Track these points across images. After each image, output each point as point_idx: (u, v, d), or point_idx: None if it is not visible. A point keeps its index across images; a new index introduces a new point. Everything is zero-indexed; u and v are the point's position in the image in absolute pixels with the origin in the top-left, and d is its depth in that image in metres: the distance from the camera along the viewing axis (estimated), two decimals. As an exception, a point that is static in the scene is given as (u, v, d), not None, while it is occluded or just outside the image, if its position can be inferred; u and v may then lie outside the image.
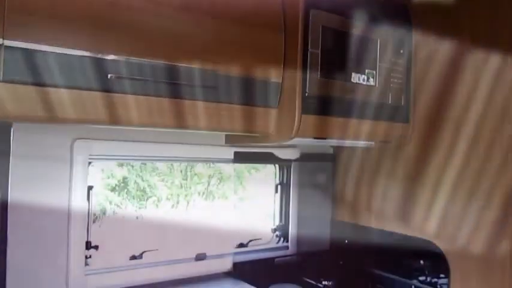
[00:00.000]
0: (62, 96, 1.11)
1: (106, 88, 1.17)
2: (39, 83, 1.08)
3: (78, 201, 1.52)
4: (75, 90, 1.13)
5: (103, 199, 3.28)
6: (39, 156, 1.45)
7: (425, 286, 1.76)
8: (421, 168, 1.80)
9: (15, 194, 1.40)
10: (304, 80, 1.47)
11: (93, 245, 1.62)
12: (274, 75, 1.47)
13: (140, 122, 1.29)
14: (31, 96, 1.07)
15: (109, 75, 1.16)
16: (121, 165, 3.39)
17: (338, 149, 2.19)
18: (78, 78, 1.13)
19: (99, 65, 1.15)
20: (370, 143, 1.83)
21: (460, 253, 1.65)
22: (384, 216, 1.94)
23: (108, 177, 3.39)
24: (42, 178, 1.46)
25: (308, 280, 1.85)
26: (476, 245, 1.60)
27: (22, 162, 1.42)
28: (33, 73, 1.07)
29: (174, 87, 1.28)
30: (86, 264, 1.58)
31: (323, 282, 1.80)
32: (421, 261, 1.80)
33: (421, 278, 1.79)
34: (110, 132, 1.57)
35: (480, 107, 1.59)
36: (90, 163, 1.59)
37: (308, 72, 1.47)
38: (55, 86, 1.10)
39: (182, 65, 1.27)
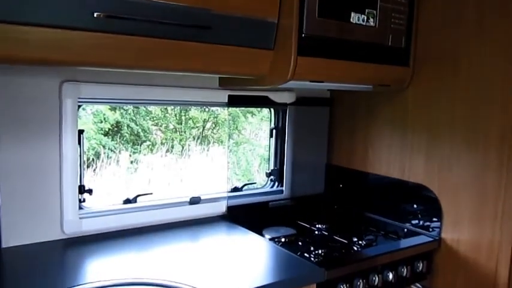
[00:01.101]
0: (46, 36, 1.07)
1: (93, 27, 1.13)
2: (21, 22, 1.04)
3: (69, 145, 1.51)
4: (60, 29, 1.09)
5: (96, 144, 3.28)
6: (27, 100, 1.43)
7: (418, 229, 1.81)
8: (419, 114, 1.79)
9: (3, 139, 1.40)
10: (301, 20, 1.42)
11: (86, 188, 1.64)
12: (269, 15, 1.42)
13: (130, 64, 1.26)
14: (14, 37, 1.04)
15: (95, 14, 1.12)
16: (113, 109, 3.35)
17: (335, 93, 2.17)
18: (63, 16, 1.08)
19: (85, 2, 1.10)
20: (368, 87, 1.81)
21: (453, 197, 1.68)
22: (379, 161, 1.96)
23: (101, 122, 3.37)
24: (31, 122, 1.44)
25: (302, 224, 1.89)
26: (469, 191, 1.62)
27: (8, 107, 1.40)
28: (16, 11, 1.02)
29: (165, 27, 1.23)
30: (80, 207, 1.60)
31: (317, 226, 1.84)
32: (415, 205, 1.84)
33: (414, 222, 1.83)
34: (100, 75, 1.54)
35: (483, 50, 1.56)
36: (80, 106, 1.57)
37: (305, 11, 1.42)
38: (38, 25, 1.06)
39: (174, 3, 1.22)
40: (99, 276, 1.27)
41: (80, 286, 1.19)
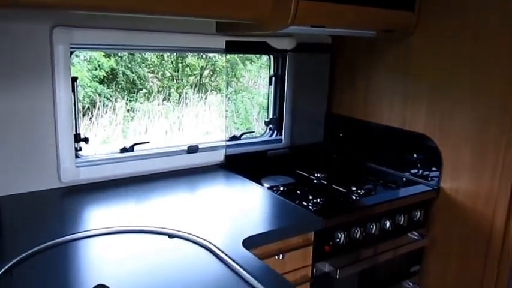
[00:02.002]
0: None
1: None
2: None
3: (62, 93, 1.49)
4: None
5: (91, 92, 3.25)
6: (16, 47, 1.39)
7: (417, 179, 1.82)
8: (423, 62, 1.76)
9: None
10: (302, -40, 1.36)
11: (82, 137, 1.63)
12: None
13: (124, 7, 1.21)
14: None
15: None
16: (108, 56, 3.29)
17: (337, 40, 2.12)
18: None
19: None
20: (371, 32, 1.76)
21: (454, 147, 1.68)
22: (381, 110, 1.95)
23: (95, 69, 3.32)
24: (22, 70, 1.41)
25: (301, 173, 1.90)
26: (470, 140, 1.62)
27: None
28: None
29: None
30: (77, 156, 1.60)
31: (316, 175, 1.86)
32: (415, 155, 1.84)
33: (413, 171, 1.85)
34: (93, 19, 1.49)
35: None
36: (72, 53, 1.53)
37: (307, -50, 1.36)
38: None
39: None
40: (97, 224, 1.29)
41: (79, 234, 1.21)
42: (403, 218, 1.66)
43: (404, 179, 1.85)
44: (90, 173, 1.60)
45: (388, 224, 1.62)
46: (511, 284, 1.58)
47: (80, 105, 1.70)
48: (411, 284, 1.81)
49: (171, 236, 1.24)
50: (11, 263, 1.05)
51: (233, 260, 1.09)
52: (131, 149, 1.75)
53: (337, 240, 1.49)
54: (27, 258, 1.09)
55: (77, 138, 1.60)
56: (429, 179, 1.79)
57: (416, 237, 1.74)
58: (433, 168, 1.77)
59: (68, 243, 1.18)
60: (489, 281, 1.61)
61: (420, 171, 1.83)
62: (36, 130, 1.48)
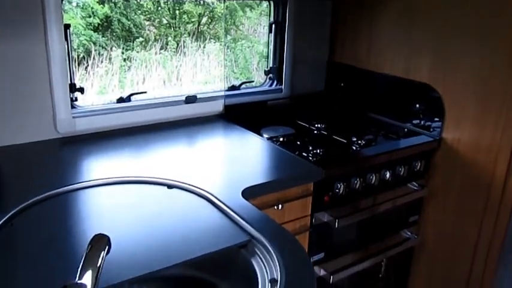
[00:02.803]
0: None
1: None
2: None
3: (55, 42, 1.46)
4: None
5: (86, 40, 3.19)
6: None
7: (419, 129, 1.82)
8: (429, 8, 1.71)
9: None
10: None
11: (77, 87, 1.61)
12: None
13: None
14: None
15: None
16: (102, 2, 3.20)
17: (340, -16, 2.06)
18: None
19: None
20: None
21: (458, 97, 1.66)
22: (384, 59, 1.92)
23: (89, 16, 3.24)
24: (11, 18, 1.38)
25: (301, 123, 1.90)
26: (474, 90, 1.61)
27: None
28: None
29: None
30: (73, 106, 1.59)
31: (316, 125, 1.85)
32: (417, 105, 1.83)
33: (415, 122, 1.84)
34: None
35: None
36: (63, -2, 1.49)
37: None
38: None
39: None
40: (96, 174, 1.30)
41: (77, 184, 1.23)
42: (403, 169, 1.68)
43: (406, 129, 1.85)
44: (86, 123, 1.60)
45: (388, 174, 1.63)
46: (509, 235, 1.62)
47: (74, 54, 1.67)
48: (409, 233, 1.84)
49: (169, 186, 1.25)
50: (11, 212, 1.07)
51: (232, 210, 1.10)
52: (128, 99, 1.73)
53: (337, 190, 1.51)
54: (27, 208, 1.11)
55: (72, 88, 1.58)
56: (431, 129, 1.79)
57: (416, 188, 1.76)
58: (436, 119, 1.76)
59: (67, 194, 1.19)
60: (487, 231, 1.64)
61: (422, 122, 1.82)
62: (30, 79, 1.46)
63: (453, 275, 1.78)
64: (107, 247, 0.71)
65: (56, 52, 1.47)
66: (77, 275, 0.65)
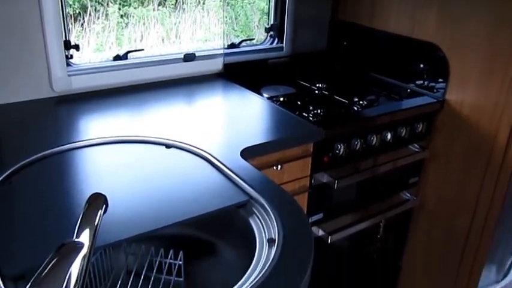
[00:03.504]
0: None
1: None
2: None
3: (48, -5, 1.43)
4: None
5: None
6: None
7: (422, 90, 1.80)
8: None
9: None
10: None
11: (73, 44, 1.59)
12: None
13: None
14: None
15: None
16: (97, -46, 3.10)
17: None
18: None
19: None
20: None
21: (463, 57, 1.64)
22: (388, 17, 1.87)
23: (84, -31, 3.15)
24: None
25: (302, 82, 1.88)
26: (480, 50, 1.58)
27: None
28: None
29: None
30: (68, 64, 1.57)
31: (317, 85, 1.83)
32: (421, 65, 1.81)
33: (419, 82, 1.82)
34: None
35: None
36: (55, -51, 1.44)
37: None
38: None
39: None
40: (93, 133, 1.29)
41: (75, 143, 1.22)
42: (404, 130, 1.67)
43: (409, 90, 1.83)
44: (83, 81, 1.58)
45: (389, 136, 1.63)
46: (509, 197, 1.63)
47: (70, 10, 1.64)
48: (409, 195, 1.86)
49: (168, 146, 1.25)
50: (9, 171, 1.07)
51: (231, 170, 1.11)
52: (125, 56, 1.71)
53: (337, 151, 1.51)
54: (24, 167, 1.11)
55: (67, 45, 1.56)
56: (434, 90, 1.77)
57: (417, 150, 1.76)
58: (439, 80, 1.74)
59: (65, 153, 1.19)
60: (487, 193, 1.65)
61: (426, 83, 1.80)
62: (24, 38, 1.44)
63: (451, 236, 1.81)
64: (104, 206, 0.71)
65: (50, 8, 1.44)
66: (75, 234, 0.66)
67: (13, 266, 0.78)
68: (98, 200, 0.71)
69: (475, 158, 1.66)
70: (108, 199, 0.73)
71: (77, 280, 0.60)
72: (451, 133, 1.73)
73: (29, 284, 0.53)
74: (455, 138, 1.72)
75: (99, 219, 0.68)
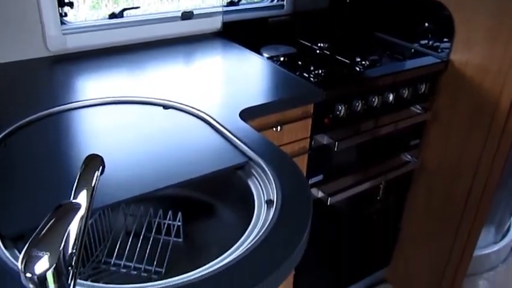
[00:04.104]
0: None
1: None
2: None
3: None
4: None
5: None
6: None
7: (426, 50, 1.78)
8: None
9: None
10: None
11: (66, 1, 1.55)
12: None
13: None
14: None
15: None
16: None
17: None
18: None
19: None
20: None
21: (469, 16, 1.60)
22: (393, -27, 1.83)
23: None
24: None
25: (303, 42, 1.85)
26: (487, 8, 1.54)
27: None
28: None
29: None
30: (63, 23, 1.54)
31: (319, 45, 1.81)
32: (426, 24, 1.77)
33: (423, 42, 1.79)
34: None
35: None
36: None
37: None
38: None
39: None
40: (89, 94, 1.28)
41: (71, 104, 1.22)
42: (407, 91, 1.66)
43: (413, 50, 1.80)
44: (78, 40, 1.56)
45: (391, 97, 1.61)
46: (510, 159, 1.63)
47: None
48: (409, 157, 1.87)
49: (165, 106, 1.24)
50: (4, 133, 1.07)
51: (230, 132, 1.10)
52: (120, 14, 1.67)
53: (337, 112, 1.50)
54: (19, 129, 1.11)
55: (61, 2, 1.52)
56: (439, 50, 1.74)
57: (419, 111, 1.75)
58: (444, 39, 1.71)
59: (60, 114, 1.19)
60: (488, 154, 1.66)
61: (430, 42, 1.77)
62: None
63: (451, 198, 1.82)
64: (101, 167, 0.71)
65: (41, -38, 1.40)
66: (72, 195, 0.66)
67: (12, 227, 0.79)
68: (95, 161, 0.71)
69: (478, 119, 1.66)
70: (105, 160, 0.73)
71: (75, 240, 0.61)
72: (454, 94, 1.72)
73: (27, 244, 0.54)
74: (458, 99, 1.71)
75: (96, 180, 0.69)
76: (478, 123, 1.66)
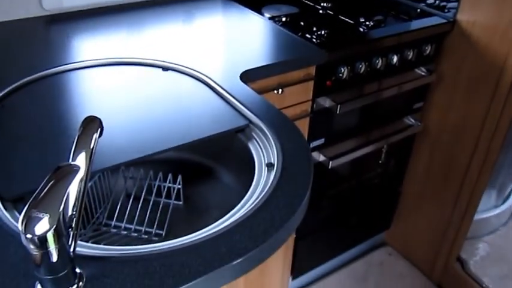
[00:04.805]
0: None
1: None
2: None
3: None
4: None
5: None
6: None
7: (432, 10, 1.74)
8: None
9: None
10: None
11: (61, -43, 1.52)
12: None
13: None
14: None
15: None
16: None
17: None
18: None
19: None
20: None
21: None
22: None
23: None
24: None
25: (306, 1, 1.81)
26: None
27: None
28: None
29: None
30: (57, -20, 1.51)
31: (322, 4, 1.77)
32: (433, -18, 1.73)
33: (429, 1, 1.76)
34: None
35: None
36: None
37: None
38: None
39: None
40: (87, 55, 1.27)
41: (68, 65, 1.21)
42: (411, 53, 1.64)
43: (419, 10, 1.77)
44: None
45: (395, 58, 1.59)
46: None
47: None
48: (413, 120, 1.86)
49: (164, 68, 1.23)
50: (1, 94, 1.07)
51: (230, 94, 1.10)
52: (117, -28, 1.64)
53: (340, 75, 1.49)
54: (16, 90, 1.10)
55: (55, -42, 1.49)
56: (446, 10, 1.71)
57: (423, 73, 1.73)
58: (452, -1, 1.68)
59: (58, 75, 1.18)
60: (492, 118, 1.65)
61: (437, 2, 1.74)
62: None
63: (453, 162, 1.83)
64: (99, 129, 0.71)
65: None
66: (70, 157, 0.67)
67: (11, 189, 0.80)
68: (93, 123, 0.71)
69: (483, 82, 1.64)
70: (104, 122, 0.73)
71: (75, 202, 0.62)
72: (460, 56, 1.70)
73: (27, 205, 0.55)
74: (464, 61, 1.69)
75: (94, 142, 0.69)
76: (483, 85, 1.65)
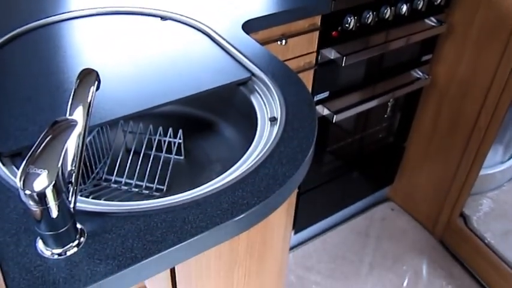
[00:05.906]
0: None
1: None
2: None
3: None
4: None
5: None
6: None
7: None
8: None
9: None
10: None
11: None
12: None
13: None
14: None
15: None
16: None
17: None
18: None
19: None
20: None
21: None
22: None
23: None
24: None
25: None
26: None
27: None
28: None
29: None
30: None
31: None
32: None
33: None
34: None
35: None
36: None
37: None
38: None
39: None
40: (81, 4, 1.24)
41: (63, 15, 1.18)
42: (421, 2, 1.59)
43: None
44: None
45: (404, 8, 1.55)
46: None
47: None
48: (420, 73, 1.83)
49: (163, 18, 1.21)
50: (-7, 45, 1.05)
51: (232, 45, 1.08)
52: None
53: (346, 25, 1.46)
54: (9, 42, 1.08)
55: None
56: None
57: (433, 24, 1.69)
58: None
59: (52, 25, 1.15)
60: (503, 72, 1.62)
61: None
62: None
63: (461, 116, 1.82)
64: (96, 82, 0.70)
65: None
66: (67, 111, 0.66)
67: (7, 144, 0.79)
68: (90, 76, 0.70)
69: (495, 34, 1.61)
70: (101, 75, 0.72)
71: (73, 157, 0.62)
72: (472, 5, 1.65)
73: (24, 161, 0.55)
74: (476, 11, 1.64)
75: (91, 96, 0.68)
76: (495, 37, 1.61)
